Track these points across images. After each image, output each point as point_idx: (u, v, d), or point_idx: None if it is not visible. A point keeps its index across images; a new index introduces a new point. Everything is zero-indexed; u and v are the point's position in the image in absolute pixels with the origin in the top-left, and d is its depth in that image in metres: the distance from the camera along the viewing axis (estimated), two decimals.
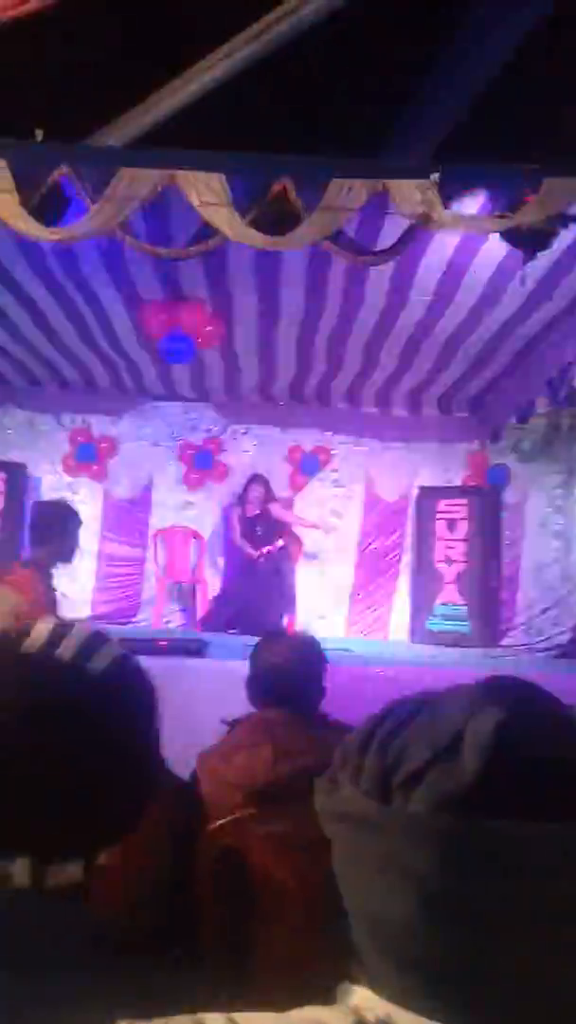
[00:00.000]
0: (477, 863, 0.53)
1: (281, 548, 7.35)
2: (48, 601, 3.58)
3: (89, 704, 0.82)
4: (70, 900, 0.78)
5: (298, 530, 7.77)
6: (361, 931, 0.59)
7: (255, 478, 7.54)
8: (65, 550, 3.72)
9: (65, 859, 0.79)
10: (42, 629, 0.86)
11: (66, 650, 0.84)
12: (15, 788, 0.77)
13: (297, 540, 7.73)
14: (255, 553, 7.26)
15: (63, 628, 0.87)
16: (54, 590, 3.72)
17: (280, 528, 7.42)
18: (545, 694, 0.62)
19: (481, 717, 0.57)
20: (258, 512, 7.40)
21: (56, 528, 3.66)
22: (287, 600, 7.26)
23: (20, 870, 0.76)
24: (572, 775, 0.55)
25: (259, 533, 7.33)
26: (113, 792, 0.81)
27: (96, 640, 0.87)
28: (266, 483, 7.53)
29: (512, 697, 0.60)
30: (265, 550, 7.26)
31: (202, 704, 3.32)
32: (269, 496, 7.49)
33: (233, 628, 6.75)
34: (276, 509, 7.47)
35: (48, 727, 0.79)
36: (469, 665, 5.55)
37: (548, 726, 0.58)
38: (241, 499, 7.54)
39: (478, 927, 0.53)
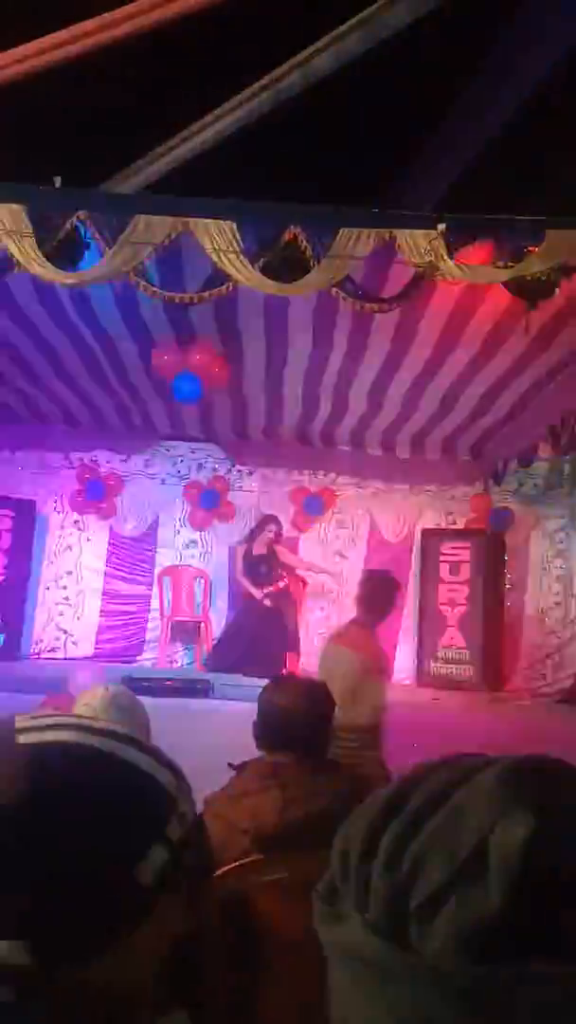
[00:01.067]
0: (515, 1019, 0.44)
1: (283, 589, 7.35)
2: (381, 658, 4.09)
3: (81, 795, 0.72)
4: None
5: (302, 571, 7.80)
6: None
7: (269, 518, 7.58)
8: (386, 612, 4.14)
9: (66, 962, 0.70)
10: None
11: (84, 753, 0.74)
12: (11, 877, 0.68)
13: (300, 581, 7.75)
14: (258, 593, 7.27)
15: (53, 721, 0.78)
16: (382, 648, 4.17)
17: (284, 569, 7.44)
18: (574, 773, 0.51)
19: (507, 824, 0.46)
20: (264, 552, 7.42)
21: (383, 595, 4.07)
22: (288, 641, 7.25)
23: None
24: None
25: (263, 572, 7.35)
26: (111, 890, 0.70)
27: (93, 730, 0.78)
28: (279, 524, 7.57)
29: (544, 790, 0.49)
30: (268, 590, 7.27)
31: (208, 746, 3.32)
32: (279, 538, 7.52)
33: (235, 669, 6.74)
34: (282, 551, 7.48)
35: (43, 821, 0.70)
36: (473, 709, 5.53)
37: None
38: (250, 536, 7.57)
39: None
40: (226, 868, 1.78)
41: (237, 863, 1.75)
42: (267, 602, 7.25)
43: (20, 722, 0.75)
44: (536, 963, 0.44)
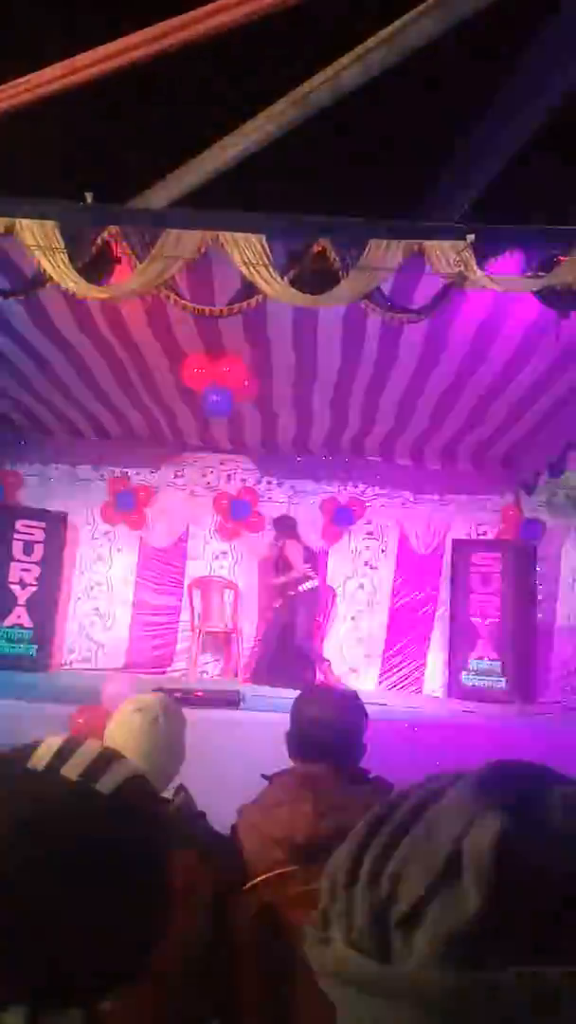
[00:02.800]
0: (496, 1018, 0.44)
1: (297, 596, 7.27)
2: None
3: (94, 828, 0.74)
4: None
5: (332, 581, 7.80)
6: None
7: (275, 520, 7.63)
8: None
9: (63, 1007, 0.70)
10: (51, 744, 0.79)
11: (73, 768, 0.77)
12: (7, 923, 0.69)
13: (329, 590, 7.73)
14: (276, 600, 7.30)
15: (72, 744, 0.80)
16: None
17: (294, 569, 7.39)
18: (558, 781, 0.52)
19: (478, 829, 0.47)
20: (276, 555, 7.47)
21: None
22: (298, 650, 7.15)
23: (14, 1021, 0.68)
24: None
25: (276, 578, 7.39)
26: (117, 930, 0.73)
27: (106, 759, 0.80)
28: (283, 523, 7.58)
29: (515, 795, 0.50)
30: (281, 599, 7.27)
31: (239, 756, 3.33)
32: (283, 536, 7.50)
33: (261, 681, 6.73)
34: (292, 552, 7.40)
35: (47, 850, 0.71)
36: (505, 722, 5.48)
37: (560, 826, 0.47)
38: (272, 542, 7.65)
39: None
40: (259, 879, 1.78)
41: (271, 874, 1.75)
42: (282, 610, 7.24)
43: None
44: (514, 968, 0.44)
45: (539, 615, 7.75)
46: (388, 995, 0.47)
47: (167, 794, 1.98)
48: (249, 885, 1.80)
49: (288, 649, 7.03)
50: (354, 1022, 0.50)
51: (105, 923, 0.72)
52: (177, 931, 1.67)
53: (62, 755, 0.78)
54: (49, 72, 5.60)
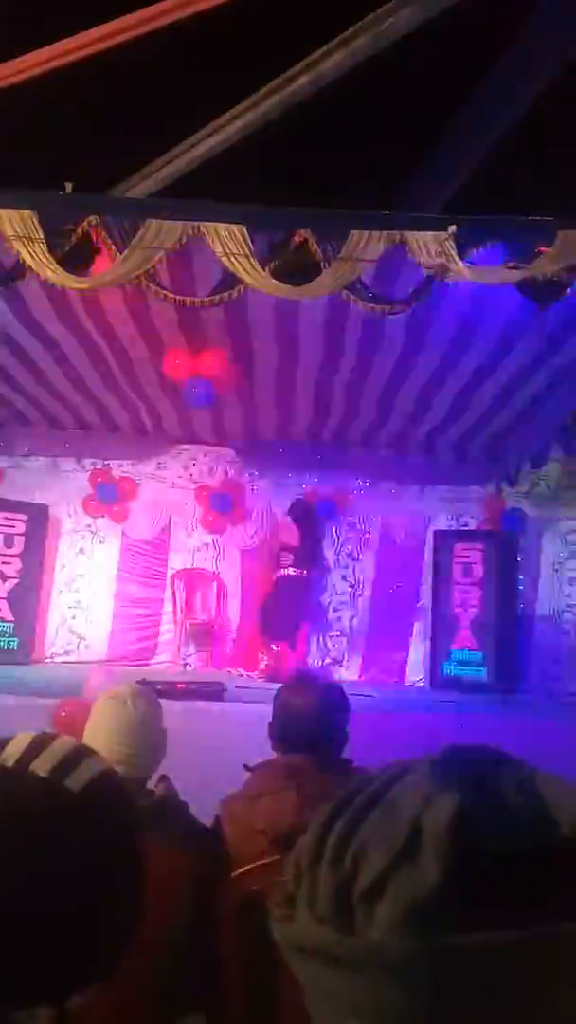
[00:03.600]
0: (457, 989, 0.46)
1: (282, 577, 7.31)
2: None
3: (63, 825, 0.74)
4: None
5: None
6: None
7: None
8: None
9: (32, 1004, 0.70)
10: (20, 741, 0.79)
11: (43, 764, 0.76)
12: None
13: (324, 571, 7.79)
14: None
15: (42, 741, 0.79)
16: None
17: (287, 553, 7.43)
18: (510, 762, 0.54)
19: (435, 807, 0.49)
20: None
21: None
22: (275, 627, 7.21)
23: None
24: (542, 859, 0.48)
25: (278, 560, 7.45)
26: (86, 928, 0.72)
27: (76, 755, 0.79)
28: (292, 507, 7.62)
29: (469, 774, 0.52)
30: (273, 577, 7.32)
31: (222, 747, 3.32)
32: (281, 521, 7.57)
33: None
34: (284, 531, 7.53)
35: (16, 847, 0.72)
36: (486, 711, 5.51)
37: (512, 803, 0.50)
38: None
39: None
40: (243, 869, 1.79)
41: (254, 864, 1.76)
42: (275, 589, 7.30)
43: None
44: (470, 934, 0.46)
45: (520, 605, 7.79)
46: (352, 966, 0.49)
47: (150, 783, 1.98)
48: (233, 876, 1.80)
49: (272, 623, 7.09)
50: (320, 996, 0.52)
51: (74, 921, 0.71)
52: (160, 921, 1.67)
53: (32, 752, 0.77)
54: (29, 59, 5.55)
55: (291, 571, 7.25)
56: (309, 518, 7.53)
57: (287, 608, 7.16)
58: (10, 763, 0.76)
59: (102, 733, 1.91)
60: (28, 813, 0.73)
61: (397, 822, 0.50)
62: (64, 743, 0.79)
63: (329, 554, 8.01)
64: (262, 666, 6.94)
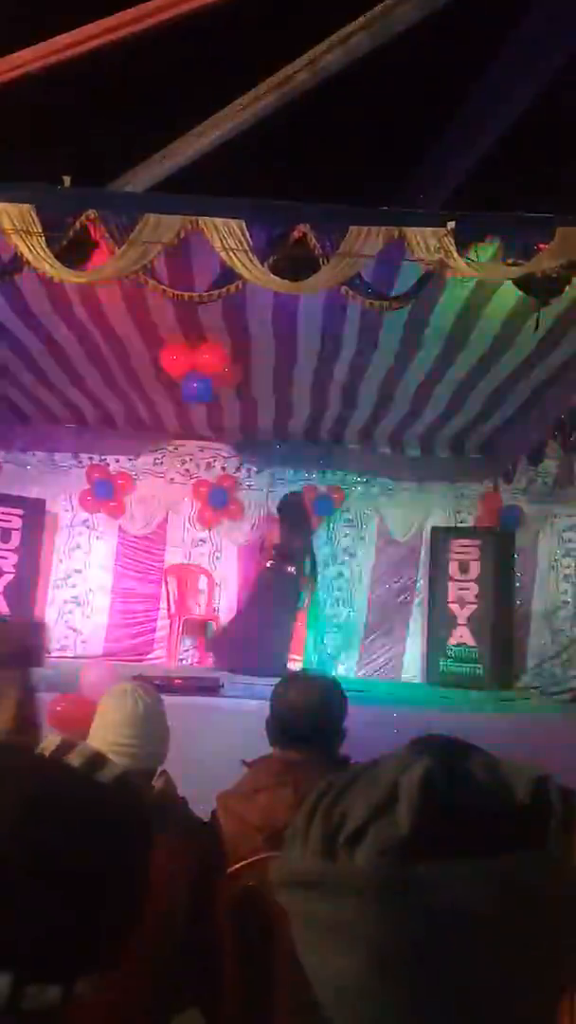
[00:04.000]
0: (419, 910, 0.56)
1: (264, 571, 7.29)
2: None
3: (96, 811, 0.80)
4: None
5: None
6: (325, 1000, 0.62)
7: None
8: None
9: (46, 982, 0.74)
10: (52, 740, 0.86)
11: (75, 759, 0.83)
12: (8, 894, 0.74)
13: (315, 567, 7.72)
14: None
15: (70, 743, 0.86)
16: None
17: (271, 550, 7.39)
18: (470, 746, 0.65)
19: (411, 771, 0.60)
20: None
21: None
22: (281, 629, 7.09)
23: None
24: (497, 815, 0.60)
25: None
26: (103, 911, 0.77)
27: (100, 757, 0.86)
28: (281, 504, 7.56)
29: (439, 750, 0.63)
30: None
31: (219, 743, 3.33)
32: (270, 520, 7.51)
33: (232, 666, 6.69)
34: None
35: (54, 827, 0.77)
36: (481, 708, 5.52)
37: (472, 772, 0.62)
38: None
39: (430, 980, 0.56)
40: (239, 865, 1.79)
41: (250, 859, 1.76)
42: (261, 585, 7.27)
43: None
44: (435, 866, 0.57)
45: (517, 602, 7.80)
46: (335, 890, 0.59)
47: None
48: (230, 871, 1.80)
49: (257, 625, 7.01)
50: (304, 923, 0.62)
51: (91, 902, 0.76)
52: (157, 916, 1.67)
53: (64, 749, 0.84)
54: (27, 54, 5.53)
55: (276, 567, 7.20)
56: (298, 514, 7.47)
57: (270, 605, 7.08)
58: (47, 753, 0.84)
59: (109, 728, 1.92)
60: (67, 796, 0.80)
61: (378, 785, 0.61)
62: (88, 747, 0.86)
63: (326, 550, 8.01)
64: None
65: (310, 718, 1.97)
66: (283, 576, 7.18)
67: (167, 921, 1.74)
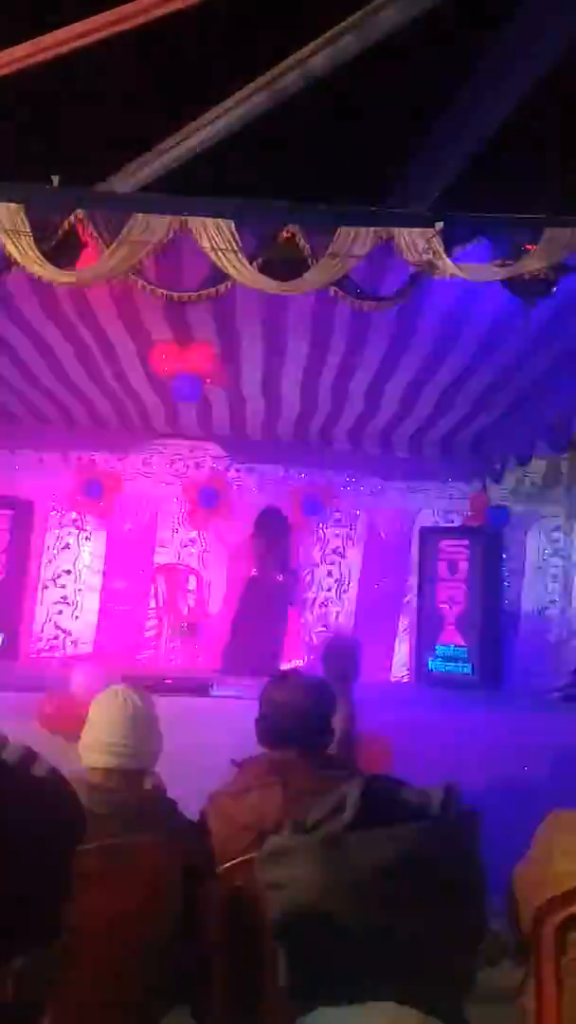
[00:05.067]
0: (349, 863, 0.90)
1: (251, 579, 7.30)
2: None
3: (32, 802, 0.84)
4: None
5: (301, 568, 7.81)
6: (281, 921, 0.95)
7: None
8: None
9: None
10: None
11: (11, 755, 0.87)
12: None
13: (295, 576, 7.70)
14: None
15: (2, 738, 0.90)
16: None
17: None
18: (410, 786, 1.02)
19: (353, 787, 0.97)
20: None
21: None
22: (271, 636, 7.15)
23: None
24: (403, 811, 0.95)
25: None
26: (33, 896, 0.82)
27: (32, 753, 0.90)
28: (258, 518, 7.54)
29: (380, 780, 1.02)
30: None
31: (208, 743, 3.32)
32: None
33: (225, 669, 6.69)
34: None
35: None
36: (471, 708, 5.54)
37: (403, 791, 1.00)
38: None
39: (357, 915, 0.88)
40: (229, 864, 1.79)
41: (240, 859, 1.76)
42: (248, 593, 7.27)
43: None
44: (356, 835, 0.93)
45: (506, 601, 7.83)
46: (297, 856, 0.94)
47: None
48: (220, 871, 1.80)
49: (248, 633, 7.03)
50: (275, 885, 0.95)
51: (26, 885, 0.81)
52: (146, 914, 1.68)
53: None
54: (17, 51, 5.51)
55: (260, 576, 7.23)
56: (276, 527, 7.44)
57: (258, 611, 7.11)
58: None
59: (102, 729, 1.93)
60: (7, 787, 0.84)
61: (334, 798, 0.98)
62: (19, 744, 0.90)
63: (315, 551, 8.02)
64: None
65: (298, 717, 1.97)
66: (267, 584, 7.20)
67: (155, 919, 1.74)
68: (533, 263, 4.26)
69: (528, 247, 4.27)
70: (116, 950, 1.60)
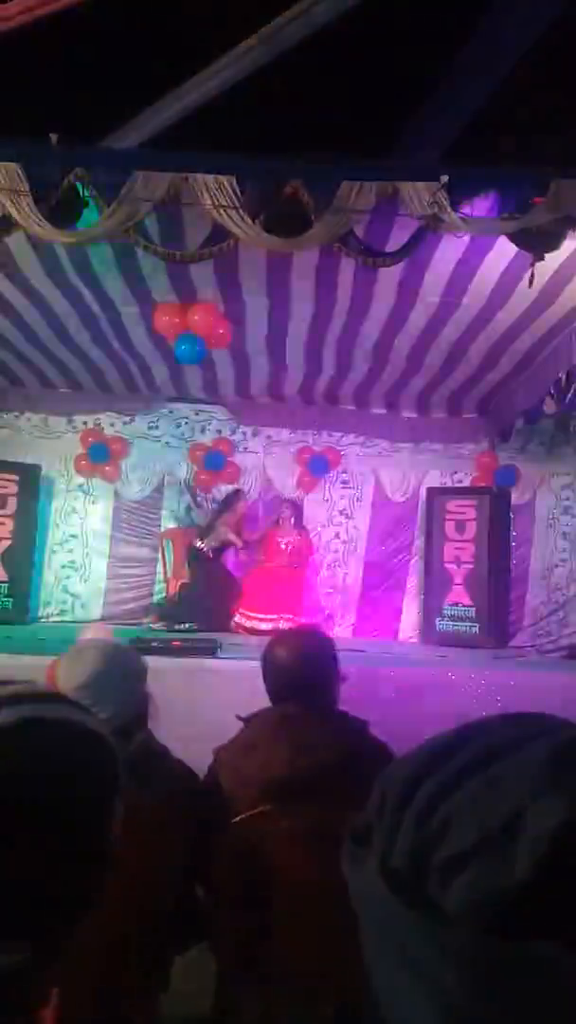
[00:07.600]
0: (514, 989, 0.45)
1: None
2: None
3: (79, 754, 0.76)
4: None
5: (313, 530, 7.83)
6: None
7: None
8: None
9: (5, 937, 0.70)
10: None
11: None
12: None
13: (307, 541, 7.72)
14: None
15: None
16: None
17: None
18: None
19: (545, 806, 0.47)
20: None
21: None
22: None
23: None
24: None
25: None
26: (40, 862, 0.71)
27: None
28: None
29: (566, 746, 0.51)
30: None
31: (216, 702, 3.35)
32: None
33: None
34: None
35: None
36: (478, 666, 5.56)
37: None
38: None
39: None
40: (237, 819, 1.80)
41: (249, 813, 1.78)
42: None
43: None
44: (539, 946, 0.44)
45: (513, 561, 7.83)
46: (416, 932, 0.49)
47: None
48: (228, 825, 1.82)
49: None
50: (377, 940, 0.52)
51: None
52: (154, 867, 1.69)
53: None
54: (12, 7, 5.40)
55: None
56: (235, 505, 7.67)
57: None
58: None
59: (62, 688, 1.88)
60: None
61: (497, 804, 0.48)
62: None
63: (322, 512, 8.02)
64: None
65: (299, 670, 1.98)
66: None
67: (163, 871, 1.76)
68: (540, 216, 4.18)
69: (535, 200, 4.20)
70: (127, 905, 1.62)
